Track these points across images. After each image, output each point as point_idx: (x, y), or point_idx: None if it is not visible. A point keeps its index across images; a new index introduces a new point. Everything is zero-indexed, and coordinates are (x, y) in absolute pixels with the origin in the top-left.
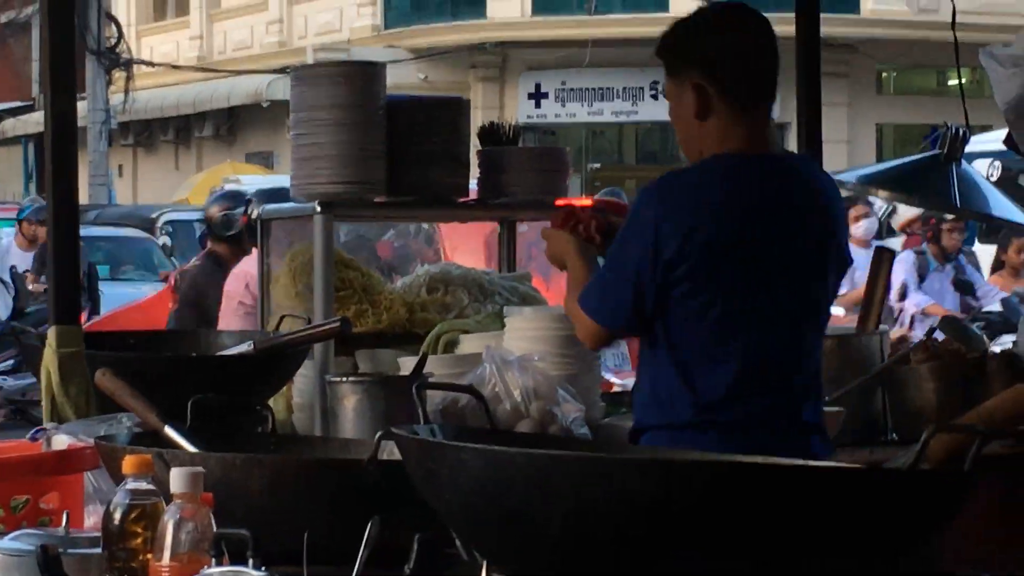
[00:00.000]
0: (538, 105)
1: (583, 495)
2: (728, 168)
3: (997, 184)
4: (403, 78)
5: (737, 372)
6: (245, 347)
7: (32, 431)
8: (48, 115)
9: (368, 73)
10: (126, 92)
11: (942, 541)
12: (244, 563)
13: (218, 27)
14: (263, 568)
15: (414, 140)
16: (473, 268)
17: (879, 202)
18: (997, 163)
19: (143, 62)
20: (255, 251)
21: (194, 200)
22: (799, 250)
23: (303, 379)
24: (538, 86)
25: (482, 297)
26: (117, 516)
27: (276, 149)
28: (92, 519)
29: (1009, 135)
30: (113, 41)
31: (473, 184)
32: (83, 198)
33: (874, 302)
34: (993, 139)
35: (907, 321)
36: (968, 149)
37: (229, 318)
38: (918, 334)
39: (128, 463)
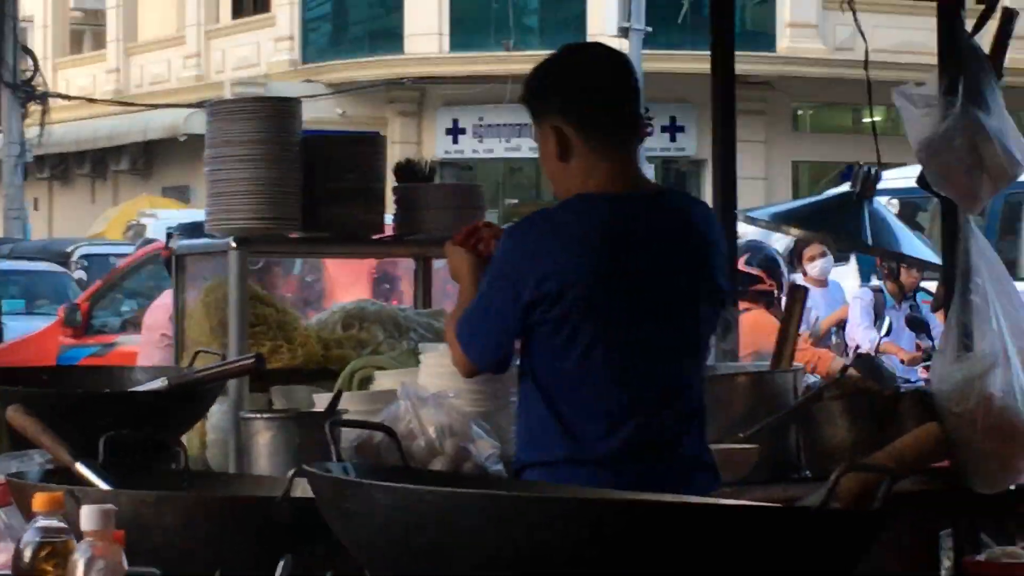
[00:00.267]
0: (456, 141)
1: (493, 533)
2: (587, 208)
3: None
4: (321, 113)
5: (604, 408)
6: (159, 383)
7: None
8: None
9: (284, 108)
10: (42, 125)
11: None
12: None
13: (135, 60)
14: None
15: (330, 176)
16: (388, 305)
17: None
18: (895, 200)
19: (59, 95)
20: None
21: (110, 234)
22: (666, 284)
23: (217, 415)
24: (456, 122)
25: (397, 334)
26: (27, 554)
27: (193, 183)
28: (2, 557)
29: (922, 174)
30: (29, 74)
31: (389, 220)
32: None
33: (788, 339)
34: (894, 176)
35: None
36: None
37: (150, 350)
38: None
39: (39, 500)
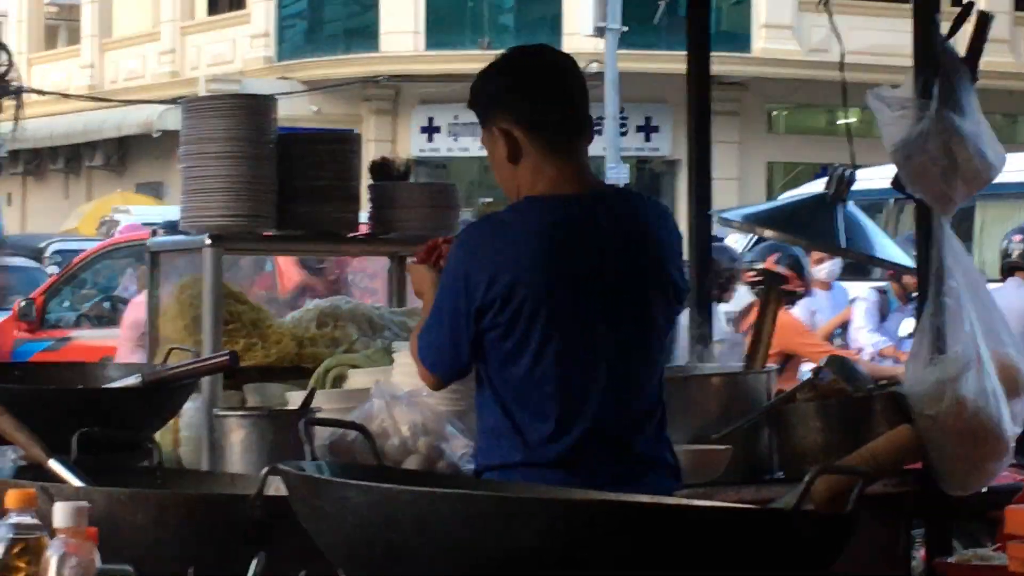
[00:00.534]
0: (430, 139)
1: (466, 532)
2: (535, 210)
3: None
4: (296, 110)
5: (556, 410)
6: (132, 380)
7: None
8: None
9: (259, 106)
10: (16, 120)
11: None
12: None
13: (110, 56)
14: None
15: (305, 174)
16: (362, 303)
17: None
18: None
19: (34, 90)
20: None
21: (83, 230)
22: (616, 284)
23: (191, 413)
24: (431, 120)
25: (371, 332)
26: (0, 550)
27: (167, 180)
28: None
29: (896, 176)
30: (3, 69)
31: (364, 218)
32: None
33: (761, 340)
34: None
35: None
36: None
37: (130, 348)
38: None
39: (11, 497)
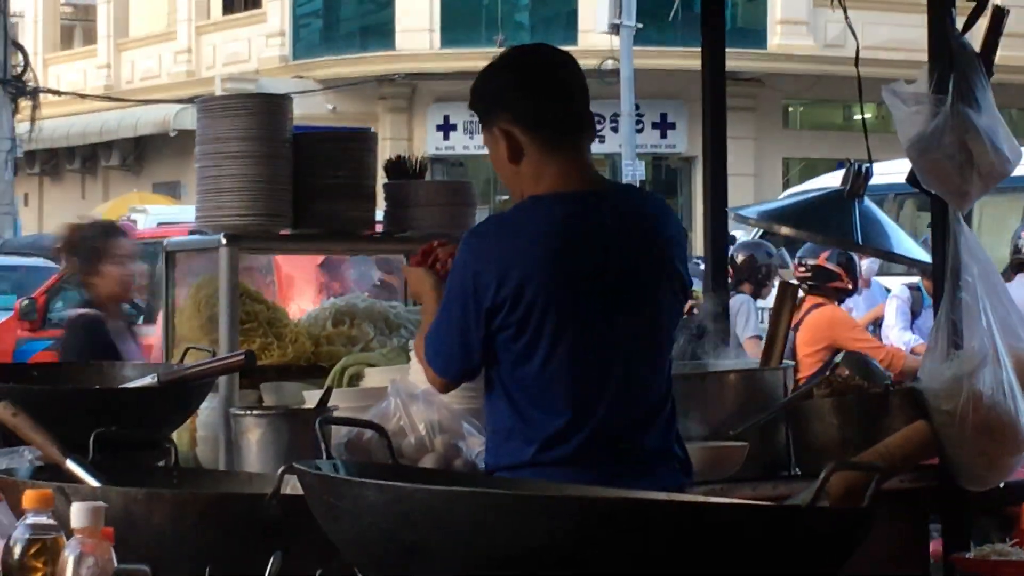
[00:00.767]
0: (447, 137)
1: (482, 530)
2: (539, 209)
3: None
4: (311, 109)
5: (568, 408)
6: (149, 380)
7: None
8: None
9: (274, 105)
10: (32, 121)
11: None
12: None
13: (126, 56)
14: None
15: (320, 172)
16: (378, 301)
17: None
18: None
19: (50, 91)
20: None
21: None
22: (622, 280)
23: (207, 412)
24: (447, 118)
25: (388, 330)
26: (17, 551)
27: (183, 179)
28: None
29: (912, 171)
30: (20, 69)
31: (380, 216)
32: None
33: (778, 337)
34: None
35: None
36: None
37: None
38: None
39: (28, 497)
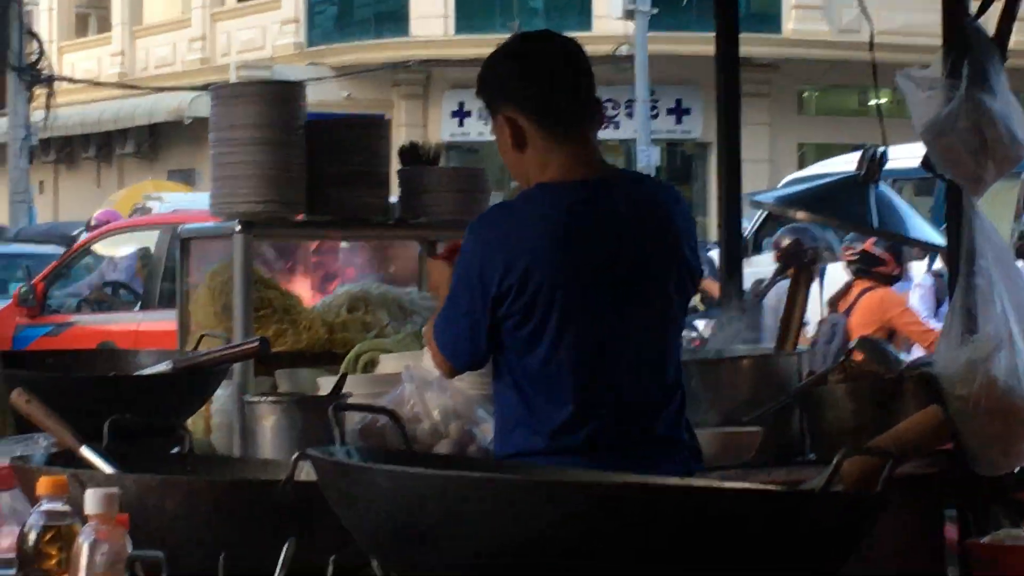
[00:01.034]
0: (461, 124)
1: (497, 517)
2: (545, 197)
3: None
4: (326, 96)
5: (574, 397)
6: (163, 366)
7: None
8: None
9: (288, 92)
10: (47, 108)
11: (855, 560)
12: None
13: (140, 44)
14: None
15: (334, 159)
16: (392, 287)
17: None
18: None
19: (65, 79)
20: None
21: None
22: (630, 268)
23: (222, 399)
24: (461, 104)
25: (402, 316)
26: (32, 537)
27: (198, 166)
28: (7, 540)
29: (926, 156)
30: (34, 57)
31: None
32: (3, 215)
33: (792, 322)
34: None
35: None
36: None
37: None
38: None
39: (43, 484)
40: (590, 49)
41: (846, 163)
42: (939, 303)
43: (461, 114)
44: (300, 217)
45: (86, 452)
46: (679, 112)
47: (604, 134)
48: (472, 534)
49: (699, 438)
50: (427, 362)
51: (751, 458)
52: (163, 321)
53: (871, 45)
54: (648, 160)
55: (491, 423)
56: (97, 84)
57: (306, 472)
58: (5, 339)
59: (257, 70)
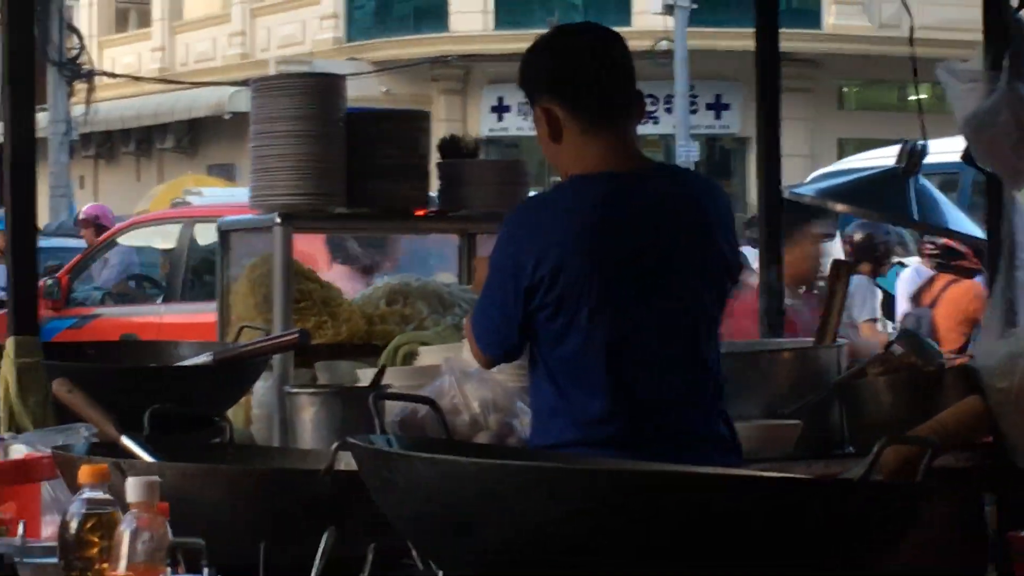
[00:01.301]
0: (500, 119)
1: (535, 505)
2: (580, 188)
3: None
4: (365, 91)
5: (607, 389)
6: (204, 358)
7: None
8: (8, 127)
9: (328, 85)
10: (87, 103)
11: (895, 552)
12: (199, 573)
13: (180, 39)
14: None
15: (374, 152)
16: (432, 279)
17: None
18: None
19: (105, 73)
20: None
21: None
22: (664, 261)
23: (262, 390)
24: (501, 99)
25: (441, 309)
26: (73, 525)
27: (238, 161)
28: (50, 529)
29: (967, 149)
30: (75, 52)
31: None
32: (43, 209)
33: (832, 315)
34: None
35: None
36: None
37: None
38: None
39: (85, 473)
40: (629, 44)
41: (868, 159)
42: None
43: (500, 109)
44: (340, 210)
45: (127, 442)
46: (718, 107)
47: (643, 129)
48: (511, 522)
49: (739, 431)
50: (466, 354)
51: (791, 451)
52: (185, 314)
53: (911, 40)
54: (687, 155)
55: (530, 415)
56: (137, 79)
57: (346, 462)
58: None
59: (296, 65)
